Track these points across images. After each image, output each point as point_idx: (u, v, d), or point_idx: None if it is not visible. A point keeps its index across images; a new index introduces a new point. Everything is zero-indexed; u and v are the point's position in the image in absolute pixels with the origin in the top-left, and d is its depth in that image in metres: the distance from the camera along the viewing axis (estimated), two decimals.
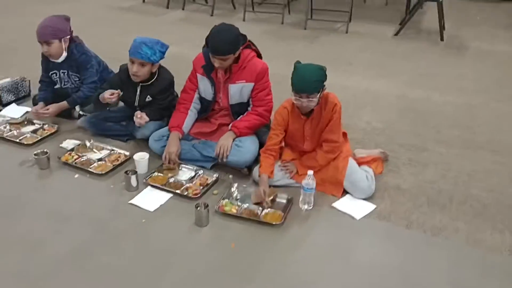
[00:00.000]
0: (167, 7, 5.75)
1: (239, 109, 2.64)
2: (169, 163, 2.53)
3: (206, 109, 2.70)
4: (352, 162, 2.46)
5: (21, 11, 5.15)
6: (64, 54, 2.89)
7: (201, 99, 2.68)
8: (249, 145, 2.53)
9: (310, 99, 2.23)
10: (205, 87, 2.61)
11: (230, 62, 2.44)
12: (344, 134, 2.58)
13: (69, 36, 2.87)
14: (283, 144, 2.52)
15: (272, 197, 2.32)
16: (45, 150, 2.55)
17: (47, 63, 2.96)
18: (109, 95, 2.63)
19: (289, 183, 2.47)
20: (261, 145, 2.54)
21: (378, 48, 4.69)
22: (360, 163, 2.54)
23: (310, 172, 2.28)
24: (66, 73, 2.97)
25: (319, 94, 2.24)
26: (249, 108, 2.64)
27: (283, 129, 2.43)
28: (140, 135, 2.76)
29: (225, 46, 2.36)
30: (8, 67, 3.65)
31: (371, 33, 5.12)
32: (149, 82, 2.71)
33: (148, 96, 2.74)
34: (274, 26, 5.27)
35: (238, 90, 2.57)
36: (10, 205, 2.28)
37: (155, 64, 2.63)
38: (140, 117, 2.63)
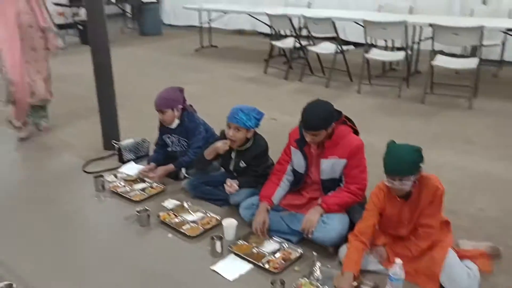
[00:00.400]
0: (286, 78, 6.03)
1: (330, 184, 2.58)
2: (256, 233, 2.54)
3: (298, 182, 2.69)
4: (452, 255, 2.20)
5: (158, 76, 5.86)
6: (177, 121, 3.18)
7: (294, 171, 2.69)
8: (336, 223, 2.42)
9: (403, 182, 2.09)
10: (298, 160, 2.63)
11: (322, 138, 2.44)
12: (447, 223, 2.34)
13: (181, 106, 3.16)
14: (377, 227, 2.36)
15: (356, 284, 2.16)
16: (146, 208, 2.76)
17: (163, 128, 3.29)
18: (221, 143, 2.81)
19: (378, 269, 2.29)
20: (353, 224, 2.42)
21: (506, 127, 4.25)
22: (463, 257, 2.26)
23: (398, 260, 2.09)
24: (177, 138, 3.25)
25: (413, 177, 2.09)
26: (342, 185, 2.57)
27: (378, 211, 2.28)
28: (233, 201, 2.84)
29: (316, 121, 2.38)
30: (136, 128, 4.12)
31: (499, 110, 4.68)
32: (244, 148, 2.82)
33: (242, 162, 2.85)
34: (389, 99, 5.15)
35: (330, 166, 2.52)
36: (105, 256, 2.48)
37: (250, 130, 2.75)
38: (230, 186, 2.73)
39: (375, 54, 5.49)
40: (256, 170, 2.87)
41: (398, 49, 6.04)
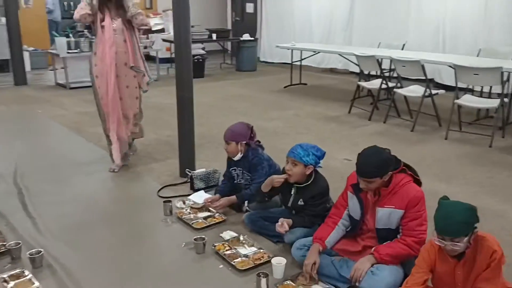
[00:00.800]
0: (369, 119, 5.92)
1: (386, 234, 2.48)
2: (305, 274, 2.51)
3: (354, 228, 2.62)
4: None
5: (244, 111, 6.13)
6: (239, 155, 3.30)
7: (350, 217, 2.63)
8: (386, 275, 2.31)
9: (455, 242, 1.95)
10: (353, 206, 2.58)
11: (376, 186, 2.38)
12: None
13: (245, 142, 3.28)
14: (428, 284, 2.21)
15: None
16: (202, 237, 2.88)
17: (230, 161, 3.43)
18: (277, 176, 2.90)
19: None
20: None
21: None
22: None
23: None
24: (241, 171, 3.37)
25: (467, 238, 1.94)
26: (398, 236, 2.46)
27: (428, 268, 2.14)
28: (287, 239, 2.84)
29: (369, 168, 2.34)
30: (212, 158, 4.33)
31: None
32: (303, 185, 2.84)
33: (301, 200, 2.86)
34: (479, 148, 4.79)
35: (386, 215, 2.44)
36: (158, 278, 2.62)
37: (308, 166, 2.77)
38: (281, 225, 2.74)
39: (466, 100, 5.19)
40: (314, 210, 2.86)
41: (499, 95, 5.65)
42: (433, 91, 5.46)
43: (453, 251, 1.98)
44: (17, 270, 2.55)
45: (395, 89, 5.81)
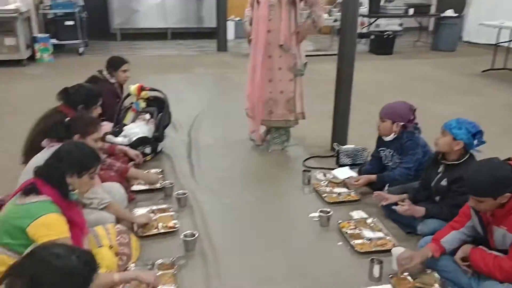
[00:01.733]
0: None
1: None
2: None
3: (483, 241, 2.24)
4: None
5: (421, 93, 5.63)
6: (392, 135, 3.07)
7: (475, 230, 2.27)
8: None
9: None
10: (474, 223, 2.23)
11: (487, 207, 2.03)
12: None
13: (403, 123, 3.01)
14: None
15: None
16: (328, 210, 2.83)
17: (380, 140, 3.23)
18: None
19: None
20: None
21: None
22: None
23: None
24: (391, 153, 3.14)
25: None
26: None
27: None
28: (419, 230, 2.61)
29: (478, 185, 1.99)
30: (367, 135, 4.14)
31: None
32: (452, 163, 2.56)
33: (445, 180, 2.57)
34: None
35: (501, 236, 2.07)
36: (277, 243, 2.71)
37: (457, 141, 2.48)
38: (403, 205, 2.53)
39: None
40: (456, 199, 2.49)
41: None
42: None
43: None
44: (165, 206, 2.97)
45: None
